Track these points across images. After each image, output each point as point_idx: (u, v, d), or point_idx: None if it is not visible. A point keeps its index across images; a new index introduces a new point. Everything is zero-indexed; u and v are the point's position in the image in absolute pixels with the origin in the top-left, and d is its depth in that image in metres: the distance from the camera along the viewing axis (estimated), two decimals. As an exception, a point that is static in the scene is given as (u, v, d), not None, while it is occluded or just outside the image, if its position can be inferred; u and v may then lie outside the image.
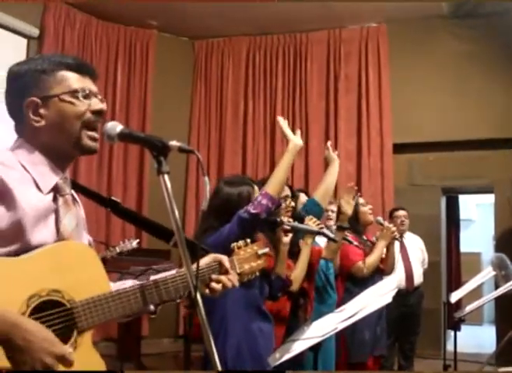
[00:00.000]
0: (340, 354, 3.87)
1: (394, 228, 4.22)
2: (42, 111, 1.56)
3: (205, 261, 1.82)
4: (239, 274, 1.90)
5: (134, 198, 7.11)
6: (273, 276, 2.85)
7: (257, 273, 2.02)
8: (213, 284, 1.79)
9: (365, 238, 4.34)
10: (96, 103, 1.61)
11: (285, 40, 7.52)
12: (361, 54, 7.25)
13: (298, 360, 2.85)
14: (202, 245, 1.99)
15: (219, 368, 1.54)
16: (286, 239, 2.90)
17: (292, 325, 3.08)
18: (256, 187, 2.75)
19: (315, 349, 2.53)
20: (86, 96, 1.60)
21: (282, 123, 2.90)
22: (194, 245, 1.70)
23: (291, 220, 3.02)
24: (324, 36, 7.37)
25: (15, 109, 1.59)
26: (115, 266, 4.66)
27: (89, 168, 6.65)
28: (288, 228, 2.90)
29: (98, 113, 1.60)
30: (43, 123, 1.56)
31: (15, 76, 1.60)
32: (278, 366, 2.43)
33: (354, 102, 7.21)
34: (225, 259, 1.85)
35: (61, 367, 1.37)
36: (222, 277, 1.81)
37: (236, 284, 1.85)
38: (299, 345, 2.37)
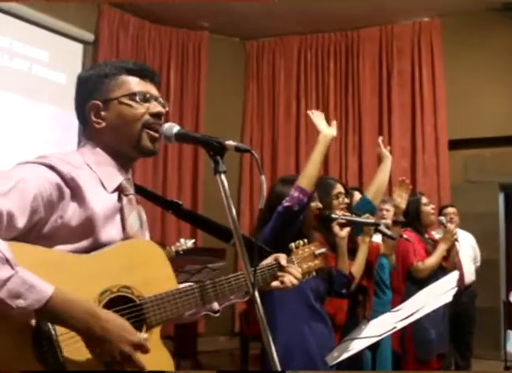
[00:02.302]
0: (406, 353, 3.84)
1: (455, 230, 4.18)
2: (103, 113, 1.61)
3: (266, 261, 1.86)
4: None
5: (188, 198, 7.17)
6: (335, 272, 2.83)
7: (314, 273, 2.03)
8: (280, 279, 1.83)
9: (427, 236, 4.29)
10: (155, 106, 1.64)
11: (336, 38, 7.46)
12: (414, 49, 7.13)
13: (356, 360, 2.83)
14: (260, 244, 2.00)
15: (278, 368, 1.53)
16: (343, 233, 2.87)
17: (351, 323, 3.05)
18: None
19: (373, 348, 2.49)
20: (145, 99, 1.63)
21: (312, 115, 2.84)
22: (253, 243, 1.70)
23: (347, 214, 2.99)
24: (375, 33, 7.28)
25: (82, 113, 1.65)
26: (171, 265, 4.70)
27: (145, 169, 6.75)
28: (343, 221, 2.88)
29: (157, 115, 1.63)
30: (103, 124, 1.61)
31: (82, 82, 1.66)
32: (337, 365, 2.40)
33: (408, 98, 7.09)
34: (282, 256, 1.88)
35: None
36: (284, 274, 1.84)
37: (299, 276, 1.87)
38: (358, 344, 2.34)
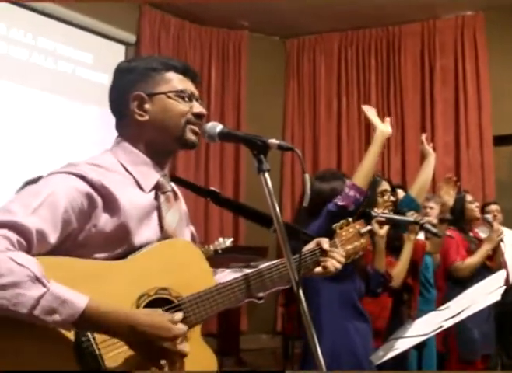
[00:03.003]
0: (449, 353, 3.78)
1: (501, 230, 4.09)
2: (147, 106, 1.60)
3: (307, 247, 1.82)
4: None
5: (230, 195, 7.19)
6: (371, 271, 2.79)
7: (361, 253, 1.97)
8: (322, 264, 1.80)
9: (471, 234, 4.20)
10: (198, 107, 1.64)
11: (377, 34, 7.37)
12: (457, 44, 6.99)
13: (402, 359, 2.79)
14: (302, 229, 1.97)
15: (324, 368, 1.52)
16: (382, 232, 2.83)
17: (395, 322, 3.01)
18: (348, 181, 2.71)
19: (419, 347, 2.45)
20: (190, 98, 1.63)
21: (368, 110, 2.80)
22: (298, 232, 1.69)
23: (386, 211, 2.94)
24: (417, 28, 7.17)
25: (120, 104, 1.64)
26: (213, 263, 4.71)
27: (187, 166, 6.78)
28: (383, 219, 2.83)
29: (199, 115, 1.64)
30: (146, 117, 1.60)
31: (125, 71, 1.65)
32: (381, 365, 2.38)
33: (451, 94, 6.96)
34: (324, 240, 1.84)
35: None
36: (326, 258, 1.81)
37: (342, 259, 1.83)
38: (403, 343, 2.31)
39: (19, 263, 1.29)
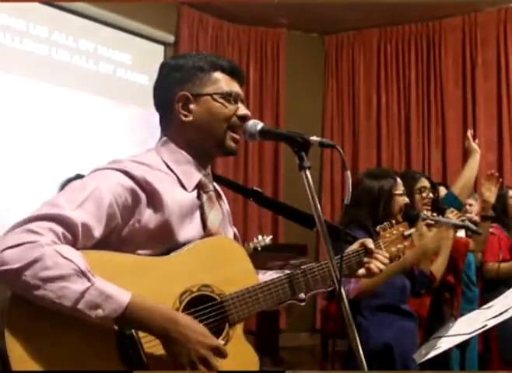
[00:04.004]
0: (490, 353, 3.71)
1: None
2: (192, 107, 1.61)
3: (352, 247, 1.82)
4: None
5: (269, 195, 7.19)
6: (416, 271, 2.77)
7: (403, 255, 1.96)
8: (366, 266, 1.80)
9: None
10: (243, 109, 1.64)
11: (417, 29, 7.27)
12: (499, 37, 6.84)
13: (443, 358, 2.76)
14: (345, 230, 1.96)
15: (365, 367, 1.51)
16: (430, 234, 2.81)
17: (437, 321, 2.98)
18: (399, 180, 2.69)
19: (462, 347, 2.42)
20: (235, 100, 1.63)
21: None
22: (340, 231, 1.68)
23: (435, 214, 2.92)
24: (458, 22, 7.04)
25: (165, 102, 1.64)
26: (252, 261, 4.74)
27: (226, 166, 6.79)
28: (431, 222, 2.81)
29: (243, 118, 1.63)
30: (190, 118, 1.61)
31: (172, 69, 1.64)
32: (423, 363, 2.36)
33: (493, 88, 6.82)
34: (368, 241, 1.83)
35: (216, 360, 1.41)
36: (372, 260, 1.80)
37: (386, 261, 1.82)
38: (446, 342, 2.28)
39: (65, 257, 1.32)
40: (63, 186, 3.12)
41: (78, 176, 2.51)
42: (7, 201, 4.85)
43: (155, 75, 1.70)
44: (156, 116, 1.71)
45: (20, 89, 5.13)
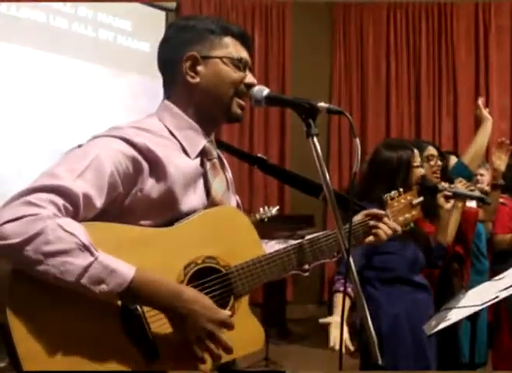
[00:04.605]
0: (500, 324, 3.72)
1: None
2: (200, 68, 1.58)
3: (357, 218, 1.80)
4: None
5: (276, 162, 7.15)
6: (433, 243, 2.78)
7: (412, 225, 1.94)
8: (373, 232, 1.79)
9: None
10: (251, 77, 1.62)
11: (428, -5, 7.18)
12: (514, 2, 6.75)
13: (453, 330, 2.77)
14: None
15: (375, 339, 1.49)
16: (448, 205, 2.81)
17: (446, 292, 2.98)
18: (416, 151, 2.67)
19: (473, 318, 2.42)
20: (244, 68, 1.61)
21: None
22: (347, 201, 1.66)
23: (453, 186, 2.91)
24: (471, -13, 6.94)
25: (171, 62, 1.61)
26: (258, 233, 4.73)
27: (231, 133, 6.72)
28: (449, 194, 2.80)
29: (250, 86, 1.61)
30: (197, 80, 1.58)
31: (181, 29, 1.61)
32: (433, 335, 2.36)
33: (507, 55, 6.76)
34: (377, 210, 1.82)
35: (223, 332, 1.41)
36: (380, 224, 1.79)
37: (394, 227, 1.81)
38: (457, 313, 2.28)
39: (66, 231, 1.30)
40: None
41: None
42: (6, 172, 4.85)
43: (156, 43, 1.67)
44: (159, 84, 1.69)
45: (19, 58, 5.10)
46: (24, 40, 5.14)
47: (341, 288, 2.37)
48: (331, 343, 2.27)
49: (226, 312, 1.46)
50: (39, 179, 1.36)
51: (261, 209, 5.07)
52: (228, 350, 1.41)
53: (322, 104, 1.53)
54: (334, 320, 2.33)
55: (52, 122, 5.27)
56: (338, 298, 2.40)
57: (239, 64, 1.59)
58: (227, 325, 1.42)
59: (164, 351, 1.42)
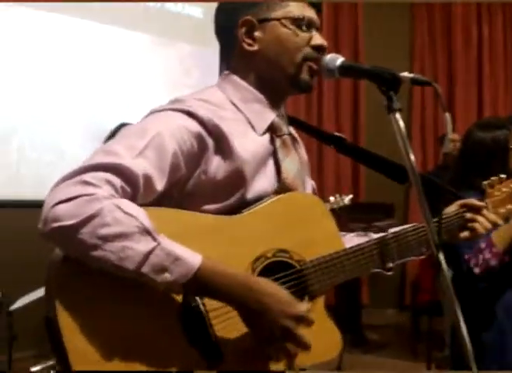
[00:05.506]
0: None
1: None
2: (257, 34, 1.58)
3: (451, 209, 1.78)
4: None
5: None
6: None
7: None
8: (469, 226, 1.76)
9: None
10: (318, 38, 1.60)
11: None
12: None
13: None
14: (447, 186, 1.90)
15: (470, 348, 1.45)
16: None
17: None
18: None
19: None
20: (308, 27, 1.59)
21: None
22: (438, 187, 1.63)
23: None
24: None
25: (226, 29, 1.62)
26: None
27: (296, 108, 6.70)
28: None
29: (318, 48, 1.59)
30: (256, 47, 1.58)
31: None
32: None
33: None
34: (474, 200, 1.79)
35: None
36: (478, 217, 1.76)
37: (495, 220, 1.78)
38: None
39: (126, 212, 1.29)
40: (109, 137, 3.15)
41: (124, 125, 2.51)
42: (48, 154, 5.02)
43: (210, 8, 1.67)
44: (212, 54, 1.69)
45: (66, 28, 5.23)
46: (69, 9, 5.24)
47: None
48: None
49: (304, 305, 1.44)
50: (94, 157, 1.36)
51: (332, 198, 5.03)
52: (306, 346, 1.40)
53: (406, 74, 1.50)
54: None
55: (95, 99, 5.37)
56: None
57: (301, 23, 1.57)
58: (305, 320, 1.40)
59: (229, 352, 1.42)
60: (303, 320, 1.39)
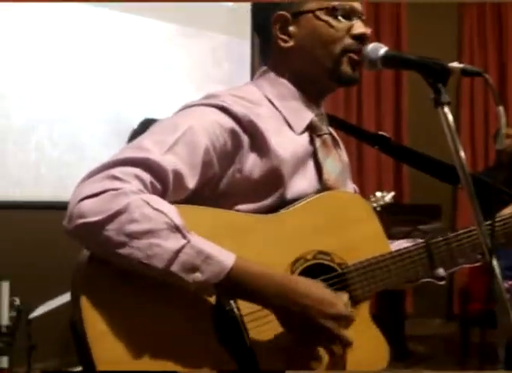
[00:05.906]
0: None
1: None
2: (292, 29, 1.59)
3: (507, 211, 1.76)
4: None
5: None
6: None
7: None
8: None
9: None
10: (359, 26, 1.59)
11: None
12: None
13: None
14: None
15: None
16: None
17: None
18: None
19: None
20: (347, 16, 1.58)
21: None
22: (492, 187, 1.61)
23: None
24: None
25: (262, 24, 1.64)
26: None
27: (335, 105, 6.67)
28: None
29: (360, 38, 1.58)
30: (291, 43, 1.59)
31: None
32: None
33: None
34: None
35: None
36: None
37: None
38: None
39: (155, 208, 1.30)
40: (133, 134, 3.17)
41: (149, 122, 2.52)
42: (68, 155, 5.06)
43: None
44: (244, 45, 1.70)
45: (89, 20, 5.28)
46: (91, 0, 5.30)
47: None
48: None
49: (344, 297, 1.45)
50: (123, 151, 1.39)
51: (372, 196, 4.99)
52: (348, 343, 1.40)
53: (455, 64, 1.49)
54: None
55: (119, 94, 5.40)
56: None
57: (336, 13, 1.57)
58: (347, 320, 1.41)
59: (263, 356, 1.42)
60: (345, 320, 1.41)
